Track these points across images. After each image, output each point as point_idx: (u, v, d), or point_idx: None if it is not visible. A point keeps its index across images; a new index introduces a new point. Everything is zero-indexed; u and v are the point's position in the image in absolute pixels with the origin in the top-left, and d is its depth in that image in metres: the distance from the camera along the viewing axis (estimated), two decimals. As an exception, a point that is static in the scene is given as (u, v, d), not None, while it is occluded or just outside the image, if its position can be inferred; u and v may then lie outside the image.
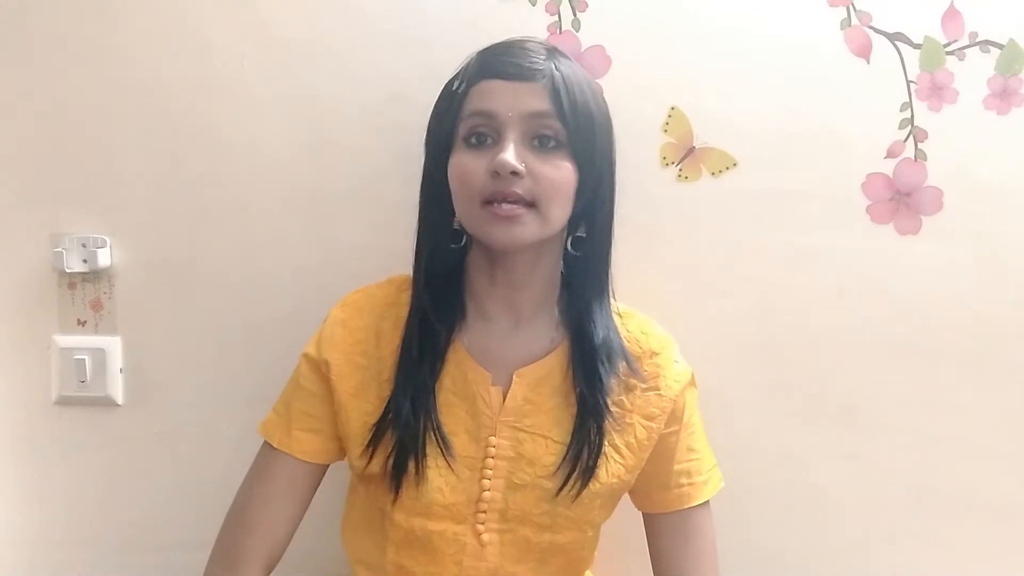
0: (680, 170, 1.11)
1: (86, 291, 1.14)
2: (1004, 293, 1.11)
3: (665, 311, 1.09)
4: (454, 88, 0.90)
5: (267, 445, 0.95)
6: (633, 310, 0.99)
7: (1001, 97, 1.09)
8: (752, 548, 1.14)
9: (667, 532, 0.97)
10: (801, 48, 1.08)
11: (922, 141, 1.09)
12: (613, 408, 0.92)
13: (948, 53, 1.08)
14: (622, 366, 0.93)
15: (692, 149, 1.10)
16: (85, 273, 1.13)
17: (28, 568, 1.18)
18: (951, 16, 1.08)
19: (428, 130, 0.93)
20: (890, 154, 1.10)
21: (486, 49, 0.91)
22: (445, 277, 0.93)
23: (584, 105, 0.88)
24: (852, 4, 1.07)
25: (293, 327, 0.98)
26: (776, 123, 1.09)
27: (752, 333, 1.12)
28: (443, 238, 0.92)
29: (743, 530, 1.14)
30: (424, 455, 0.89)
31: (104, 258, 1.12)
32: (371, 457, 0.91)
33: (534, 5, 1.08)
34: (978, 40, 1.08)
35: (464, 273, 0.94)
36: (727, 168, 1.10)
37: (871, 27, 1.08)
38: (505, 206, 0.85)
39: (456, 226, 0.91)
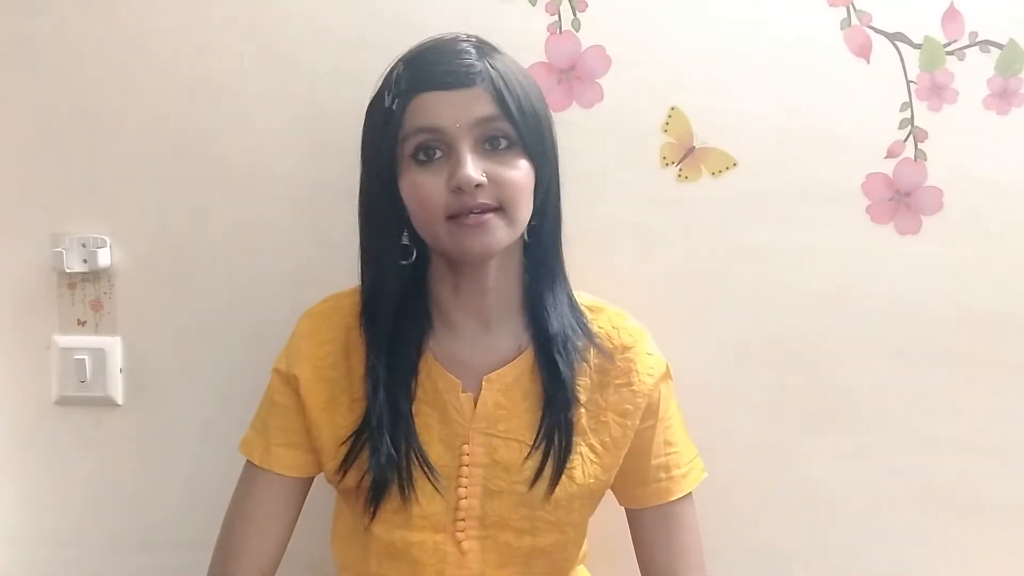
0: (680, 170, 1.11)
1: (86, 291, 1.14)
2: (1004, 293, 1.11)
3: (665, 311, 1.09)
4: (387, 105, 0.86)
5: (249, 463, 0.95)
6: (603, 303, 0.98)
7: (1001, 97, 1.08)
8: (752, 548, 1.14)
9: (649, 527, 0.96)
10: (801, 48, 1.08)
11: (922, 141, 1.09)
12: (586, 406, 0.92)
13: (948, 53, 1.08)
14: (589, 352, 0.92)
15: (692, 149, 1.10)
16: (85, 273, 1.13)
17: (28, 568, 1.18)
18: (951, 16, 1.08)
19: (364, 150, 0.90)
20: (890, 154, 1.10)
21: (412, 57, 0.88)
22: (402, 293, 0.90)
23: (527, 99, 0.86)
24: (852, 4, 1.07)
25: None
26: (776, 123, 1.09)
27: (752, 333, 1.12)
28: (392, 258, 0.89)
29: (743, 530, 1.14)
30: (412, 484, 0.88)
31: (104, 258, 1.12)
32: (345, 473, 0.90)
33: (534, 5, 1.08)
34: (978, 40, 1.08)
35: (426, 284, 0.92)
36: (727, 168, 1.10)
37: (871, 27, 1.08)
38: (472, 216, 0.83)
39: (405, 241, 0.89)
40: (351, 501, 0.93)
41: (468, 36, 0.89)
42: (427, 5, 1.08)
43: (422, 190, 0.84)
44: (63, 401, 1.16)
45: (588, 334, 0.93)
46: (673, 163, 1.10)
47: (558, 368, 0.90)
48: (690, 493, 0.97)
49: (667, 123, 1.10)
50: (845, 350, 1.12)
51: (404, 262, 0.89)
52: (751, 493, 1.14)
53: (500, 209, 0.84)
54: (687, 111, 1.09)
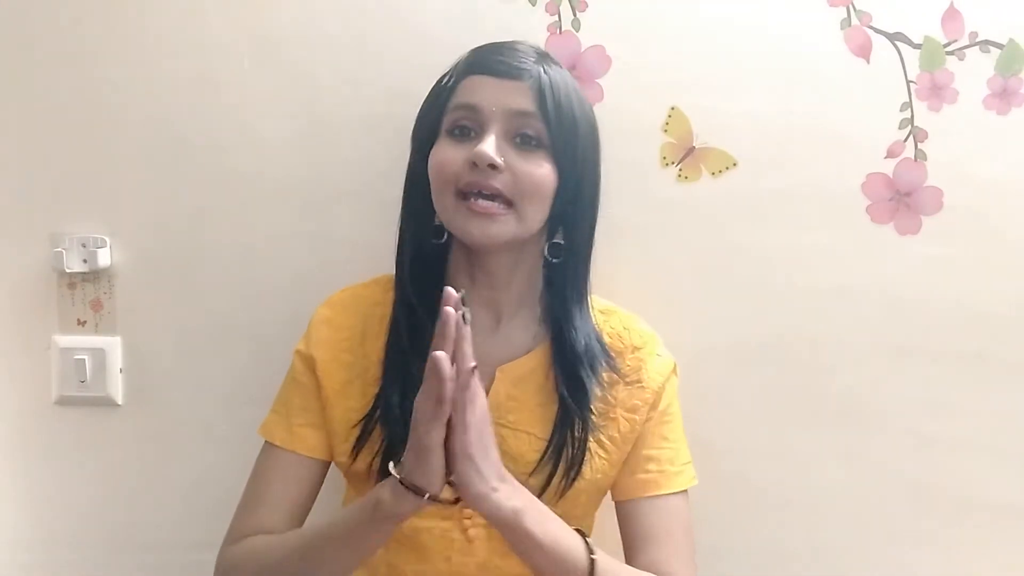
0: (680, 170, 1.11)
1: (86, 291, 1.14)
2: (1004, 293, 1.11)
3: (665, 311, 1.09)
4: (443, 83, 0.92)
5: (268, 446, 0.95)
6: (615, 306, 0.99)
7: (1001, 97, 1.08)
8: (752, 548, 1.14)
9: (635, 517, 0.94)
10: (801, 48, 1.08)
11: (922, 141, 1.09)
12: (597, 405, 0.92)
13: (948, 53, 1.08)
14: (605, 371, 0.93)
15: (692, 149, 1.10)
16: (85, 273, 1.13)
17: (28, 568, 1.18)
18: (951, 16, 1.08)
19: (415, 124, 0.94)
20: (890, 154, 1.10)
21: (479, 47, 0.92)
22: (427, 273, 0.93)
23: (568, 109, 0.89)
24: (852, 4, 1.07)
25: (293, 327, 0.98)
26: (776, 123, 1.09)
27: (752, 333, 1.12)
28: (425, 233, 0.92)
29: (743, 530, 1.14)
30: None
31: (104, 258, 1.12)
32: (356, 455, 0.91)
33: (534, 5, 1.08)
34: (978, 40, 1.08)
35: (446, 271, 0.95)
36: (727, 168, 1.10)
37: (871, 27, 1.08)
38: (481, 201, 0.85)
39: (437, 222, 0.91)
40: (361, 486, 0.94)
41: (535, 45, 0.93)
42: (428, 6, 1.08)
43: (442, 159, 0.88)
44: (63, 401, 1.16)
45: (608, 358, 0.93)
46: (673, 163, 1.11)
47: (583, 385, 0.90)
48: (684, 493, 0.95)
49: (667, 123, 1.10)
50: (845, 350, 1.12)
51: (435, 241, 0.92)
52: (751, 493, 1.14)
53: (511, 204, 0.86)
54: (687, 111, 1.09)
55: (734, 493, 1.13)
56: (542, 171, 0.87)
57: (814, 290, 1.11)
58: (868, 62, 1.08)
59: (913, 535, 1.14)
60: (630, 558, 0.95)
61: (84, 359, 1.13)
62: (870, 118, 1.09)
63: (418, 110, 0.94)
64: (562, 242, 0.92)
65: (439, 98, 0.91)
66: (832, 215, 1.10)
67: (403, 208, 0.95)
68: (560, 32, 1.09)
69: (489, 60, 0.89)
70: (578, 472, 0.90)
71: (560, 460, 0.90)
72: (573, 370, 0.91)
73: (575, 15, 1.08)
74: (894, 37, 1.08)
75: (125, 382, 1.15)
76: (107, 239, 1.13)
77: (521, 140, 0.87)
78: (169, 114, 1.11)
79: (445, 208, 0.88)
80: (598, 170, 0.94)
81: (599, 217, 1.09)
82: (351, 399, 0.93)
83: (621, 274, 1.10)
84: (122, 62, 1.10)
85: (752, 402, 1.13)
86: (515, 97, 0.87)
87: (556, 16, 1.08)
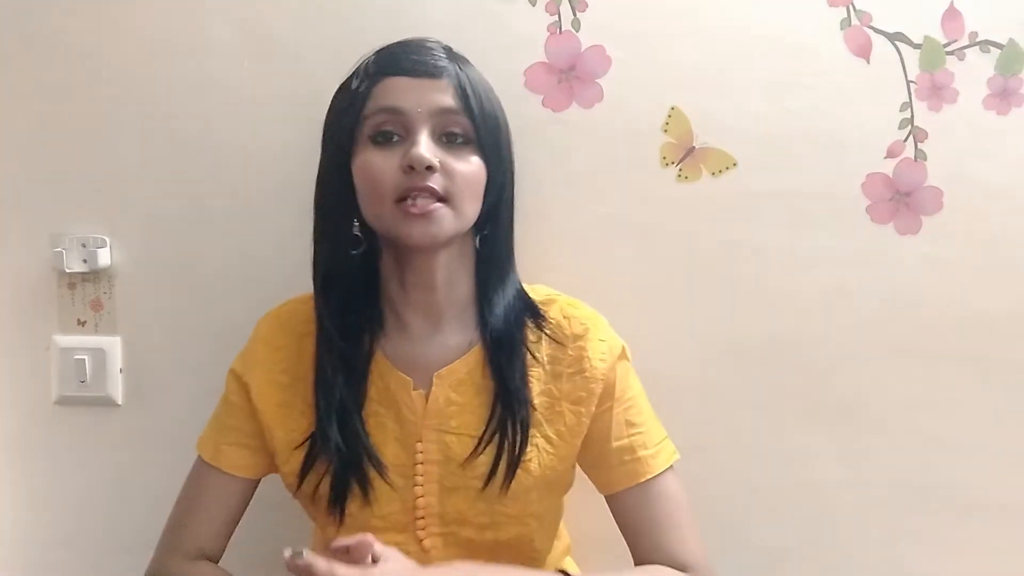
0: (680, 170, 1.11)
1: (86, 291, 1.14)
2: (1004, 293, 1.11)
3: (664, 311, 1.09)
4: (354, 87, 0.89)
5: (200, 459, 0.96)
6: (556, 293, 0.97)
7: (1001, 97, 1.09)
8: (752, 548, 1.14)
9: (627, 509, 0.93)
10: (801, 48, 1.08)
11: (922, 141, 1.09)
12: (540, 398, 0.91)
13: (948, 53, 1.08)
14: (540, 344, 0.92)
15: (692, 149, 1.10)
16: (85, 273, 1.13)
17: (27, 568, 1.18)
18: (951, 16, 1.08)
19: (325, 132, 0.92)
20: (890, 154, 1.10)
21: (384, 48, 0.91)
22: (352, 287, 0.91)
23: (488, 102, 0.89)
24: (852, 4, 1.07)
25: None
26: (776, 123, 1.09)
27: (752, 333, 1.12)
28: (342, 245, 0.90)
29: (743, 530, 1.14)
30: (367, 479, 0.89)
31: (104, 258, 1.12)
32: (301, 480, 0.91)
33: (534, 5, 1.08)
34: (978, 40, 1.08)
35: (377, 283, 0.93)
36: (727, 168, 1.10)
37: (871, 27, 1.08)
38: (420, 202, 0.84)
39: (356, 231, 0.89)
40: (310, 509, 0.94)
41: (438, 40, 0.92)
42: (427, 6, 1.08)
43: (374, 169, 0.86)
44: (63, 401, 1.16)
45: (539, 325, 0.93)
46: (673, 163, 1.11)
47: (500, 367, 0.90)
48: (670, 469, 0.93)
49: (667, 123, 1.10)
50: (845, 350, 1.12)
51: (354, 251, 0.90)
52: (751, 493, 1.14)
53: (446, 200, 0.85)
54: (687, 111, 1.09)
55: (734, 493, 1.13)
56: (473, 167, 0.87)
57: (814, 290, 1.11)
58: (868, 62, 1.08)
59: (913, 535, 1.14)
60: (634, 547, 0.93)
61: (84, 359, 1.14)
62: (870, 118, 1.09)
63: (325, 119, 0.92)
64: (488, 233, 0.92)
65: (353, 104, 0.87)
66: (832, 215, 1.10)
67: (317, 223, 0.92)
68: (560, 32, 1.09)
69: (403, 60, 0.87)
70: (518, 465, 0.88)
71: (501, 455, 0.88)
72: (494, 352, 0.90)
73: (575, 15, 1.08)
74: (894, 37, 1.08)
75: (125, 382, 1.15)
76: (107, 239, 1.13)
77: (447, 138, 0.87)
78: (169, 114, 1.11)
79: (381, 216, 0.86)
80: (513, 161, 0.94)
81: (599, 216, 1.10)
82: (291, 419, 0.92)
83: (621, 273, 1.10)
84: (122, 62, 1.11)
85: (752, 402, 1.13)
86: (438, 95, 0.86)
87: (556, 16, 1.08)
